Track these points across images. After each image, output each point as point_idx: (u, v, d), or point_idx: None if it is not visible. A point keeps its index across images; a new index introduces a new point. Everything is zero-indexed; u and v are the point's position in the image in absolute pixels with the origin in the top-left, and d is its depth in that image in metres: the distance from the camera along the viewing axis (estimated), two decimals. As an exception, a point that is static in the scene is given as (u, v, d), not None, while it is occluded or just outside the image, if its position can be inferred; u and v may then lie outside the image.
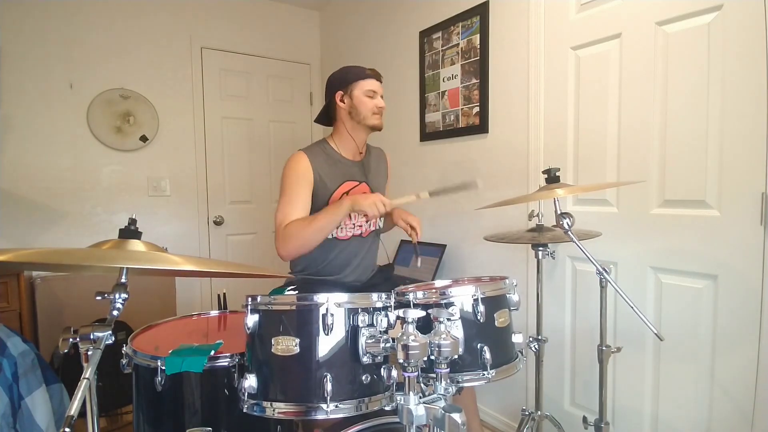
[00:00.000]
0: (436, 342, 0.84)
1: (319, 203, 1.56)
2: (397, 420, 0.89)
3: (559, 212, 1.24)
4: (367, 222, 1.65)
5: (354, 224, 1.62)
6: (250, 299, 0.96)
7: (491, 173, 2.17)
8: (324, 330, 0.90)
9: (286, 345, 0.91)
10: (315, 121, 1.73)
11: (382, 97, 1.62)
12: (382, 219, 1.74)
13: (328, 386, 0.88)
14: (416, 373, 0.85)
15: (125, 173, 2.75)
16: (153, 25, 2.80)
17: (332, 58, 3.35)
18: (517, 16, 2.00)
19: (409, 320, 0.84)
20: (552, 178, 1.34)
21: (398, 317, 0.92)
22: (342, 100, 1.59)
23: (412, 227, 1.58)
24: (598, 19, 1.72)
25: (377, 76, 1.62)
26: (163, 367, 1.03)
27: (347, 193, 1.61)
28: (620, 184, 1.56)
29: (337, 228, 1.59)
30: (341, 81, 1.60)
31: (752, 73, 1.35)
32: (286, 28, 3.32)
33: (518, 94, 2.02)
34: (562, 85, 1.86)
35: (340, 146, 1.64)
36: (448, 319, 0.89)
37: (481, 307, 1.03)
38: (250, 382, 0.92)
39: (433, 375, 0.89)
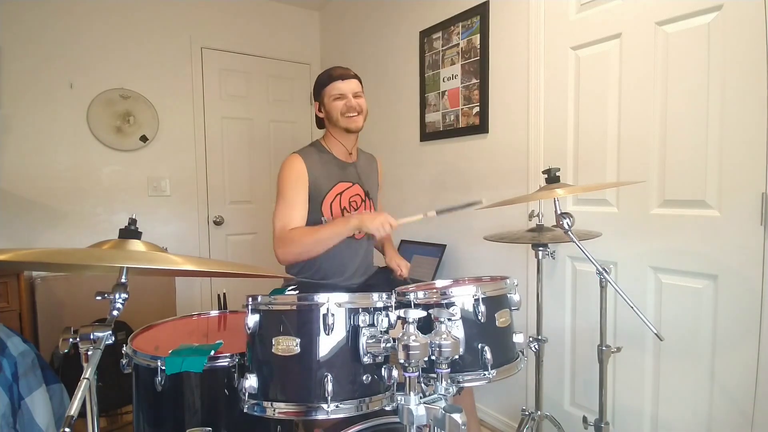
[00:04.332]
0: (437, 342, 0.83)
1: (313, 204, 1.57)
2: (398, 420, 0.89)
3: (559, 212, 1.24)
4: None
5: None
6: (250, 299, 0.96)
7: (491, 173, 2.17)
8: (325, 330, 0.90)
9: (287, 345, 0.91)
10: (318, 126, 1.75)
11: (357, 95, 1.59)
12: None
13: (329, 386, 0.88)
14: (417, 373, 0.85)
15: (125, 173, 2.75)
16: (153, 25, 2.80)
17: (332, 58, 3.34)
18: (517, 16, 2.00)
19: (410, 320, 0.84)
20: (552, 178, 1.34)
21: (399, 317, 0.92)
22: (320, 109, 1.64)
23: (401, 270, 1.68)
24: (598, 19, 1.72)
25: (343, 76, 1.58)
26: (163, 367, 1.03)
27: (341, 194, 1.61)
28: (620, 184, 1.56)
29: None
30: (316, 91, 1.65)
31: (752, 73, 1.35)
32: (286, 28, 3.32)
33: (518, 94, 2.02)
34: (562, 85, 1.85)
35: (331, 148, 1.67)
36: (449, 319, 0.88)
37: (482, 307, 1.03)
38: (251, 382, 0.92)
39: (434, 375, 0.89)
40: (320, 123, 1.70)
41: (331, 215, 1.59)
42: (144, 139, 2.79)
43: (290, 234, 1.49)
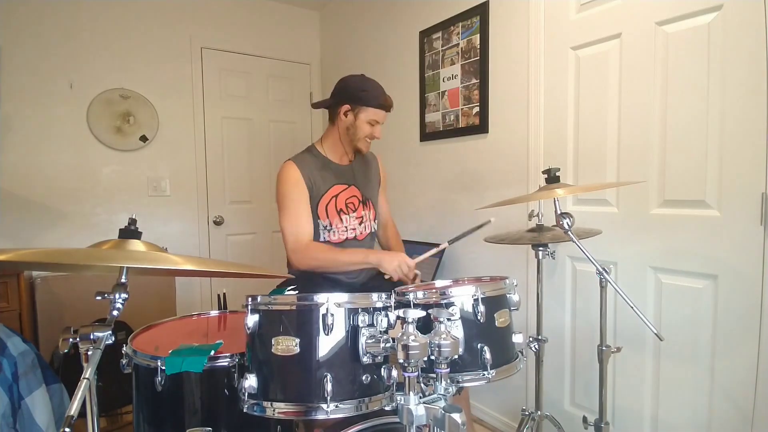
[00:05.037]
0: (437, 342, 0.83)
1: (309, 206, 1.60)
2: (397, 420, 0.89)
3: (559, 212, 1.24)
4: (360, 224, 1.69)
5: (347, 227, 1.65)
6: (250, 299, 0.96)
7: (491, 173, 2.17)
8: (324, 330, 0.90)
9: (286, 345, 0.91)
10: (313, 105, 1.74)
11: (381, 124, 1.65)
12: (377, 222, 1.79)
13: (329, 386, 0.88)
14: (416, 373, 0.85)
15: (125, 173, 2.75)
16: (153, 25, 2.80)
17: (332, 58, 3.35)
18: (517, 16, 2.00)
19: (410, 320, 0.84)
20: (552, 178, 1.34)
21: (398, 317, 0.92)
22: (346, 114, 1.61)
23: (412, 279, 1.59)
24: (598, 19, 1.72)
25: (388, 108, 1.63)
26: (163, 367, 1.03)
27: (336, 196, 1.63)
28: (620, 184, 1.56)
29: (329, 231, 1.63)
30: (353, 96, 1.60)
31: (752, 73, 1.35)
32: (286, 28, 3.32)
33: (518, 94, 2.02)
34: (562, 85, 1.85)
35: (328, 150, 1.68)
36: (449, 319, 0.88)
37: (482, 307, 1.03)
38: (250, 382, 0.92)
39: (434, 375, 0.89)
40: (332, 116, 1.67)
41: (327, 217, 1.62)
42: (144, 139, 2.79)
43: (310, 248, 1.55)
